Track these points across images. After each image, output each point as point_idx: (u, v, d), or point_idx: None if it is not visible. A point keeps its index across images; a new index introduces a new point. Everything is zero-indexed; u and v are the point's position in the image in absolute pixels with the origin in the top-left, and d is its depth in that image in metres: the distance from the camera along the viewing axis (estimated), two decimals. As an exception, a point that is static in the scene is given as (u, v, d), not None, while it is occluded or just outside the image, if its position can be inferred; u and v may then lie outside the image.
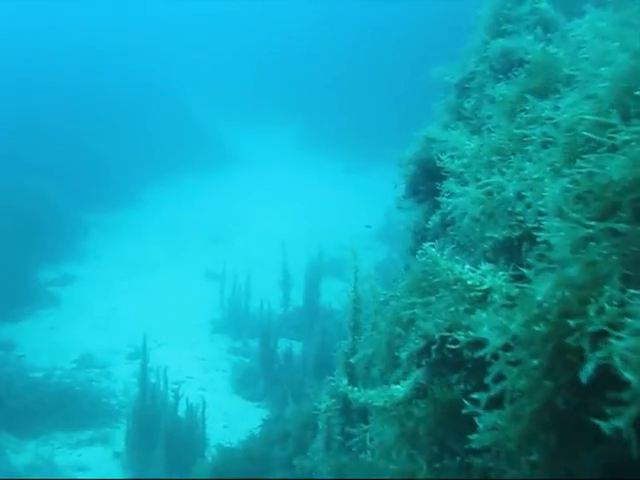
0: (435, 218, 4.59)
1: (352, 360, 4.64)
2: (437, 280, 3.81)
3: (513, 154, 3.79)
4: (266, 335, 17.09)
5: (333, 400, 4.75)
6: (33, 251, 21.27)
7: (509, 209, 3.17)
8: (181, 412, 12.61)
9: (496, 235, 3.21)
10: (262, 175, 32.16)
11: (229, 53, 45.86)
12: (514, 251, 3.09)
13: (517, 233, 3.09)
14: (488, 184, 3.46)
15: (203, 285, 21.72)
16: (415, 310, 3.81)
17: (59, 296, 20.58)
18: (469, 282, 2.74)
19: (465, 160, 4.37)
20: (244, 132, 37.61)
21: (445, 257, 3.04)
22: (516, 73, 4.32)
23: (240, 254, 23.84)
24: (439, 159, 4.74)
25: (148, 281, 21.86)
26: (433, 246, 3.10)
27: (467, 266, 2.81)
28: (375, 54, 37.66)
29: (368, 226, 19.69)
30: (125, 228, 25.92)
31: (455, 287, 2.86)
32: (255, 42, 45.21)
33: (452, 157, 4.75)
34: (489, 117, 4.76)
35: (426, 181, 5.07)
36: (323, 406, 4.74)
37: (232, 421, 14.87)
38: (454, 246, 4.06)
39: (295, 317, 19.80)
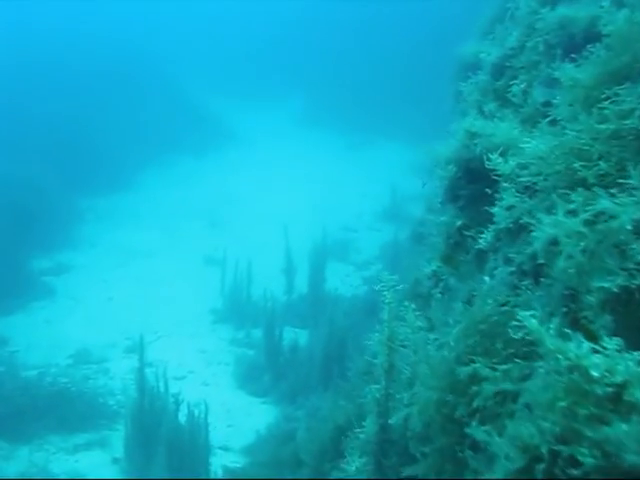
0: (488, 236, 3.71)
1: (390, 420, 3.77)
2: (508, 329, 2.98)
3: (601, 158, 2.91)
4: (270, 325, 16.27)
5: (364, 459, 3.89)
6: (25, 239, 20.41)
7: (622, 246, 2.30)
8: (183, 416, 11.72)
9: (606, 284, 2.30)
10: (262, 154, 31.21)
11: (225, 29, 44.61)
12: (635, 308, 2.23)
13: (638, 281, 2.22)
14: (584, 207, 2.57)
15: (202, 272, 20.90)
16: (477, 365, 2.97)
17: (53, 287, 19.75)
18: (594, 373, 1.86)
19: (527, 163, 3.51)
20: (242, 110, 36.55)
21: (552, 331, 2.15)
22: (591, 50, 3.42)
23: (241, 238, 23.00)
24: (488, 159, 3.88)
25: (146, 268, 21.02)
26: (534, 316, 2.19)
27: (586, 344, 1.94)
28: (377, 27, 36.51)
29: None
30: (121, 213, 25.00)
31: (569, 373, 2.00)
32: (253, 17, 43.96)
33: (504, 157, 3.89)
34: (551, 105, 3.88)
35: (469, 184, 4.21)
36: (352, 468, 3.88)
37: (236, 419, 14.13)
38: (528, 282, 3.21)
39: (300, 304, 18.99)
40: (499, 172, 3.68)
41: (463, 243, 4.90)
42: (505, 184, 3.66)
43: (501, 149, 3.72)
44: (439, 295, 5.64)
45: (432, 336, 3.59)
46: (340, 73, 36.43)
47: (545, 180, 3.11)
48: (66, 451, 12.45)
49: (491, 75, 5.50)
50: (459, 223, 4.88)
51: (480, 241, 3.67)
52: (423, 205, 22.00)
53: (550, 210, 3.02)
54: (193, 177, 28.75)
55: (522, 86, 4.34)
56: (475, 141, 4.06)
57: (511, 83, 4.72)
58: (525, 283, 3.33)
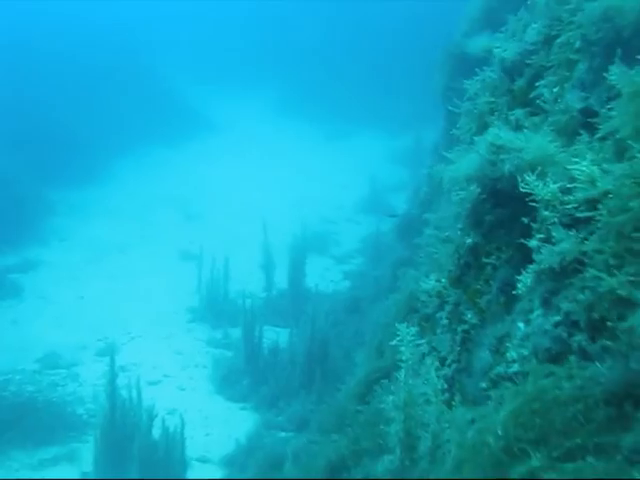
0: (527, 279, 3.04)
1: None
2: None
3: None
4: (249, 324, 15.55)
5: None
6: (-10, 234, 19.52)
7: None
8: (157, 429, 10.99)
9: None
10: (239, 144, 30.37)
11: (202, 17, 43.45)
12: None
13: None
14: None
15: (178, 267, 20.12)
16: (533, 462, 2.30)
17: (21, 285, 18.84)
18: None
19: (574, 187, 2.85)
20: (219, 98, 35.61)
21: None
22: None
23: (217, 231, 22.27)
24: (521, 180, 3.21)
25: (119, 264, 20.19)
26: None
27: None
28: (357, 16, 35.71)
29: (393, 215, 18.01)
30: (92, 206, 24.05)
31: None
32: (230, 5, 42.80)
33: (542, 178, 3.21)
34: (593, 114, 3.21)
35: (495, 208, 3.54)
36: None
37: (214, 427, 13.45)
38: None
39: (279, 301, 18.33)
40: (536, 197, 3.02)
41: (479, 268, 4.24)
42: (546, 212, 3.00)
43: (538, 169, 3.06)
44: (446, 321, 5.01)
45: (468, 414, 2.91)
46: (319, 62, 35.65)
47: (611, 216, 2.44)
48: (31, 467, 11.65)
49: (505, 73, 4.82)
50: (470, 242, 4.22)
51: (519, 286, 2.98)
52: (406, 198, 21.50)
53: (617, 256, 2.37)
54: (168, 167, 27.85)
55: (555, 90, 3.66)
56: (502, 157, 3.39)
57: (537, 85, 4.05)
58: (578, 339, 2.68)
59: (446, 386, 4.02)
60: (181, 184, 26.12)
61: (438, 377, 4.54)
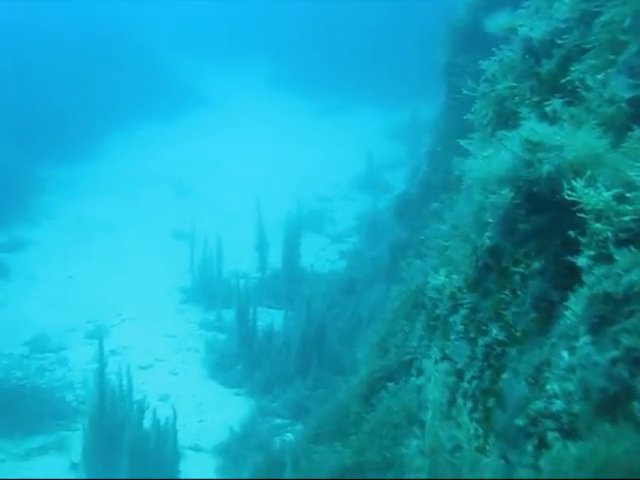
0: (577, 306, 2.59)
1: None
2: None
3: None
4: (243, 306, 15.12)
5: None
6: (-23, 213, 19.00)
7: None
8: (149, 420, 10.60)
9: None
10: (233, 119, 29.73)
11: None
12: None
13: None
14: None
15: (170, 246, 19.65)
16: None
17: (8, 264, 18.34)
18: None
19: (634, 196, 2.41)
20: (211, 71, 34.88)
21: None
22: None
23: (210, 209, 21.82)
24: (569, 187, 2.75)
25: (109, 243, 19.71)
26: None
27: None
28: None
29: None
30: (82, 183, 23.48)
31: None
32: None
33: (591, 183, 2.76)
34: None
35: (532, 215, 3.10)
36: None
37: (207, 413, 13.09)
38: None
39: (274, 282, 17.90)
40: (585, 206, 2.58)
41: (502, 274, 3.81)
42: (597, 225, 2.56)
43: (587, 172, 2.62)
44: (461, 327, 4.59)
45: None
46: (313, 35, 34.88)
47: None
48: (18, 457, 11.24)
49: (530, 54, 4.35)
50: (488, 243, 3.78)
51: (567, 314, 2.54)
52: (404, 176, 21.04)
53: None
54: (160, 143, 27.24)
55: (600, 76, 3.19)
56: (539, 155, 2.94)
57: (572, 69, 3.58)
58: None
59: (470, 405, 3.60)
60: (173, 160, 25.55)
61: (456, 391, 4.14)
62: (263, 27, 37.82)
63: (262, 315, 15.58)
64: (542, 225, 3.05)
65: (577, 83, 3.62)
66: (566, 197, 2.62)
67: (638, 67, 3.08)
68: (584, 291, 2.55)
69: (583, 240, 2.64)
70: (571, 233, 2.71)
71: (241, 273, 17.26)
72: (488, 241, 3.53)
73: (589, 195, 2.54)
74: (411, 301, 6.71)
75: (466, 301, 4.54)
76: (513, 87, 4.48)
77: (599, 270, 2.48)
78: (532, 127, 3.04)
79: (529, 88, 4.34)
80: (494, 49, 5.15)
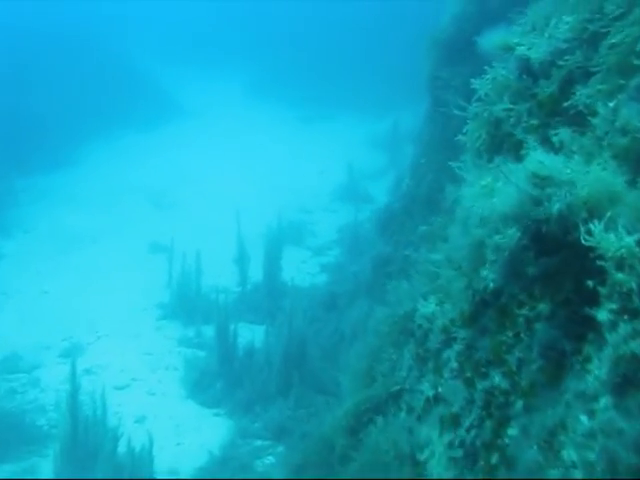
0: (601, 370, 2.30)
1: None
2: None
3: None
4: (223, 322, 14.76)
5: None
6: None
7: None
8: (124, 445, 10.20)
9: None
10: (213, 128, 29.36)
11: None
12: None
13: None
14: None
15: (148, 260, 19.23)
16: None
17: (-20, 279, 17.87)
18: None
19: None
20: (191, 80, 34.51)
21: None
22: None
23: (189, 221, 21.42)
24: (585, 230, 2.45)
25: (85, 257, 19.24)
26: None
27: None
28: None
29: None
30: (58, 194, 22.98)
31: None
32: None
33: (612, 226, 2.47)
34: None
35: (541, 257, 2.81)
36: None
37: (186, 435, 12.68)
38: None
39: (254, 296, 17.54)
40: (605, 253, 2.29)
41: (503, 312, 3.52)
42: (620, 275, 2.27)
43: (607, 214, 2.33)
44: (456, 364, 4.29)
45: None
46: (293, 42, 34.66)
47: None
48: (-16, 487, 10.80)
49: (527, 75, 4.08)
50: (492, 287, 3.49)
51: (588, 378, 2.25)
52: (385, 186, 20.79)
53: None
54: (139, 153, 26.79)
55: (612, 104, 2.91)
56: (548, 191, 2.65)
57: (575, 92, 3.31)
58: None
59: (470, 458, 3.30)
60: (152, 171, 25.12)
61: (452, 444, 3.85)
62: (243, 34, 37.53)
63: (243, 331, 15.22)
64: (552, 268, 2.76)
65: (581, 107, 3.34)
66: (583, 242, 2.34)
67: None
68: (608, 352, 2.27)
69: (603, 291, 2.36)
70: (589, 283, 2.42)
71: (221, 287, 16.88)
72: (491, 284, 3.23)
73: (609, 240, 2.26)
74: (399, 327, 6.41)
75: (460, 336, 4.26)
76: (509, 109, 4.21)
77: (624, 328, 2.20)
78: (539, 159, 2.75)
79: (526, 111, 4.07)
80: (484, 65, 4.88)
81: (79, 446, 9.99)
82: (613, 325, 2.28)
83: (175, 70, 34.95)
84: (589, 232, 2.37)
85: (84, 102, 27.45)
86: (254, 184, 24.36)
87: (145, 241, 20.15)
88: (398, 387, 5.96)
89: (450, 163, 5.19)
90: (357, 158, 25.10)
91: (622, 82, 3.04)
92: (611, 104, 2.97)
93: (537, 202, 2.71)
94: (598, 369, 2.32)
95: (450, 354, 4.41)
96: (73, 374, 10.50)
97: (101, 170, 25.12)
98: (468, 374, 3.94)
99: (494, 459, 3.08)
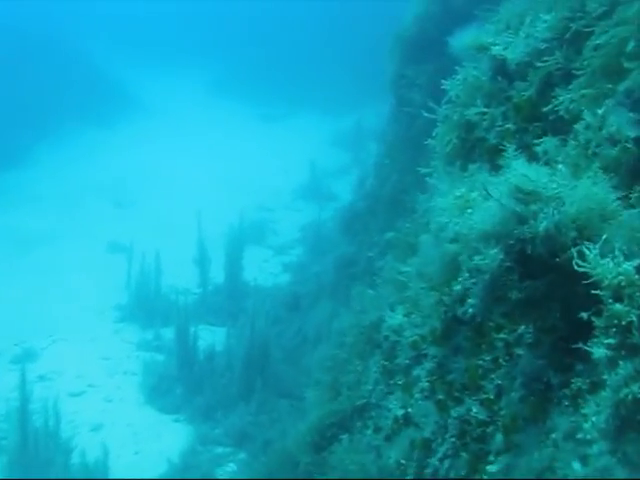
0: (599, 416, 2.04)
1: None
2: None
3: None
4: (182, 324, 14.41)
5: None
6: None
7: None
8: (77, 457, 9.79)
9: None
10: (173, 126, 28.82)
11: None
12: None
13: None
14: None
15: (106, 260, 18.72)
16: None
17: None
18: None
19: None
20: (150, 76, 33.85)
21: None
22: None
23: (149, 221, 20.92)
24: (577, 251, 2.18)
25: (40, 258, 18.66)
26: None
27: None
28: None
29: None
30: (12, 193, 22.28)
31: None
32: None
33: (608, 250, 2.20)
34: None
35: (525, 280, 2.55)
36: None
37: (144, 443, 12.28)
38: None
39: (215, 298, 17.17)
40: (601, 280, 2.05)
41: (478, 332, 3.27)
42: (618, 306, 2.03)
43: (602, 236, 2.08)
44: (426, 384, 4.04)
45: None
46: (255, 39, 34.26)
47: None
48: None
49: (502, 76, 3.84)
50: (471, 311, 3.23)
51: (584, 426, 1.99)
52: (348, 185, 20.56)
53: None
54: (97, 150, 26.16)
55: (600, 111, 2.67)
56: (533, 208, 2.40)
57: (556, 96, 3.07)
58: None
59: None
60: (111, 169, 24.52)
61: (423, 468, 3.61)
62: (206, 32, 36.98)
63: (203, 333, 14.91)
64: (538, 293, 2.52)
65: (562, 113, 3.10)
66: (575, 267, 2.09)
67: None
68: (607, 395, 2.02)
69: (599, 323, 2.12)
70: (583, 315, 2.18)
71: (181, 289, 16.57)
72: (471, 310, 2.98)
73: (606, 267, 2.02)
74: (364, 338, 6.15)
75: (431, 353, 4.02)
76: (482, 112, 3.96)
77: (625, 367, 1.96)
78: (522, 172, 2.50)
79: (501, 114, 3.83)
80: (450, 64, 4.65)
81: (29, 459, 9.53)
82: (612, 363, 2.04)
83: (137, 68, 34.30)
84: (581, 255, 2.12)
85: (41, 99, 26.71)
86: (215, 183, 23.97)
87: (103, 241, 19.64)
88: (364, 401, 5.72)
89: (418, 168, 4.94)
90: (320, 156, 24.85)
91: (609, 86, 2.81)
92: (599, 111, 2.73)
93: (521, 220, 2.46)
94: (596, 415, 2.07)
95: (420, 372, 4.17)
96: (23, 381, 10.07)
97: (57, 168, 24.48)
98: (440, 396, 3.70)
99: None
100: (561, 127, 3.07)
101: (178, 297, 14.92)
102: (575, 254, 2.15)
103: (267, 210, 22.82)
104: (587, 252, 2.10)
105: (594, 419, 2.07)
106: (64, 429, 10.65)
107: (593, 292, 2.09)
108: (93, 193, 22.86)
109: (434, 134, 4.71)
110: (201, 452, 12.00)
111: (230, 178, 24.45)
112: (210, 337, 14.92)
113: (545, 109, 3.23)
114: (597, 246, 2.11)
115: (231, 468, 11.68)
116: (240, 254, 17.47)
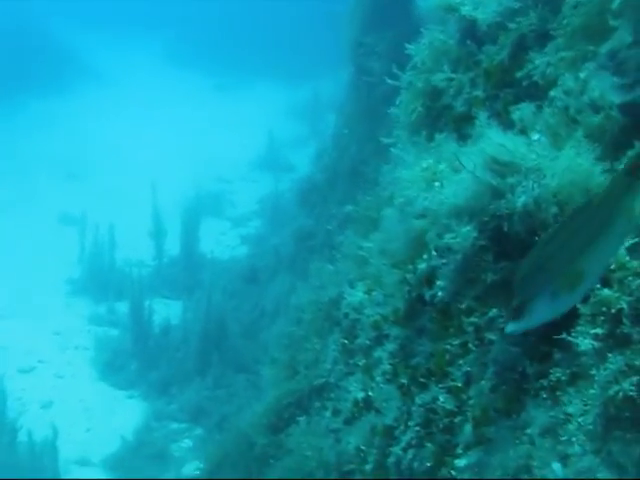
0: (586, 417, 1.83)
1: None
2: None
3: None
4: (137, 297, 14.10)
5: None
6: None
7: None
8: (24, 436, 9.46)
9: None
10: (126, 95, 27.96)
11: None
12: None
13: None
14: None
15: (57, 233, 18.18)
16: None
17: None
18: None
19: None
20: (104, 46, 32.74)
21: None
22: None
23: (102, 193, 20.31)
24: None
25: (-12, 230, 18.04)
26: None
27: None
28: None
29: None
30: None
31: None
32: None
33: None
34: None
35: (500, 261, 2.32)
36: None
37: (96, 420, 11.98)
38: None
39: (171, 270, 16.80)
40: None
41: (445, 313, 3.05)
42: (607, 291, 1.81)
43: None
44: (389, 367, 3.83)
45: None
46: (209, 6, 33.42)
47: None
48: None
49: (471, 39, 3.60)
50: (441, 295, 3.01)
51: (569, 427, 1.78)
52: (307, 156, 20.28)
53: None
54: (47, 121, 25.23)
55: (582, 75, 2.44)
56: (510, 181, 2.17)
57: (534, 61, 2.84)
58: None
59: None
60: (64, 139, 23.71)
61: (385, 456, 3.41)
62: (162, 1, 36.00)
63: (158, 307, 14.63)
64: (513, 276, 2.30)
65: (537, 78, 2.87)
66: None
67: (632, 62, 2.36)
68: (594, 393, 1.82)
69: (584, 310, 1.91)
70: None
71: (135, 261, 16.18)
72: (440, 293, 2.75)
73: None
74: (323, 315, 5.94)
75: (394, 334, 3.81)
76: (450, 79, 3.72)
77: (615, 361, 1.76)
78: (498, 141, 2.27)
79: (469, 81, 3.59)
80: (411, 30, 4.39)
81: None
82: (599, 356, 1.84)
83: (91, 36, 33.18)
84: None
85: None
86: (170, 154, 23.40)
87: (54, 213, 19.06)
88: (322, 380, 5.52)
89: (380, 139, 4.71)
90: (277, 127, 24.42)
91: (590, 48, 2.59)
92: (581, 75, 2.50)
93: (498, 194, 2.23)
94: (582, 417, 1.87)
95: (382, 354, 3.96)
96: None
97: (4, 139, 23.59)
98: (403, 380, 3.49)
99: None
100: (535, 93, 2.85)
101: (132, 270, 14.54)
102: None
103: (224, 181, 22.43)
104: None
105: (580, 420, 1.87)
106: (12, 407, 10.27)
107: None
108: (44, 164, 22.12)
109: (397, 102, 4.46)
110: (156, 428, 11.77)
111: (185, 149, 23.90)
112: (165, 311, 14.68)
113: (518, 74, 3.01)
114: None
115: (186, 444, 11.49)
116: (196, 226, 17.12)
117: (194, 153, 23.35)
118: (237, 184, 22.60)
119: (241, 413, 8.34)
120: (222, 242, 18.73)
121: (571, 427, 1.89)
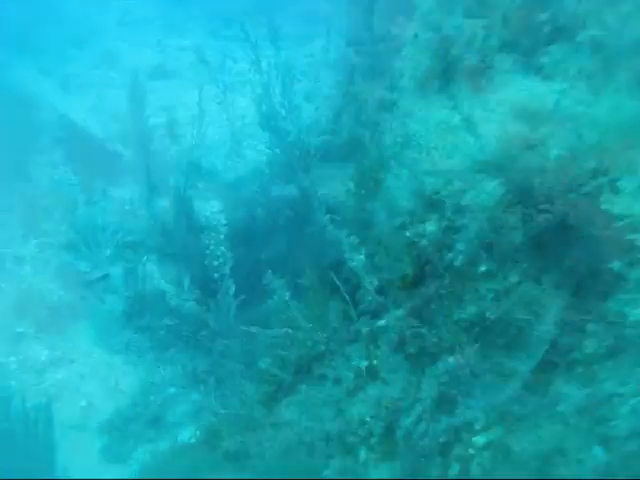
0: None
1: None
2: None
3: None
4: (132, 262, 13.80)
5: None
6: None
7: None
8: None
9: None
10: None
11: None
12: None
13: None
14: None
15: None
16: None
17: None
18: None
19: None
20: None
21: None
22: None
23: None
24: (597, 185, 1.71)
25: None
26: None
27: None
28: None
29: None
30: None
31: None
32: None
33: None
34: None
35: (529, 220, 2.08)
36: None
37: (91, 386, 11.83)
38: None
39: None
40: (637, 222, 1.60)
41: (459, 275, 2.84)
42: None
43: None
44: (394, 336, 3.63)
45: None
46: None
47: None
48: None
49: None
50: (461, 259, 2.79)
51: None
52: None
53: None
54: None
55: (622, 12, 2.17)
56: (543, 131, 1.92)
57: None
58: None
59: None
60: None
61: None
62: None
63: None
64: (545, 237, 2.06)
65: (564, 20, 2.60)
66: (602, 208, 1.63)
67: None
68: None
69: (633, 276, 1.67)
70: (615, 265, 1.73)
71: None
72: (461, 257, 2.52)
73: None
74: (328, 280, 5.75)
75: (401, 300, 3.60)
76: (459, 27, 3.45)
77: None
78: (528, 88, 2.01)
79: (484, 27, 3.31)
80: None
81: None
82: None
83: None
84: (610, 190, 1.66)
85: None
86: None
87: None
88: (323, 348, 5.34)
89: (382, 92, 4.47)
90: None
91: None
92: (619, 12, 2.22)
93: (528, 146, 1.97)
94: (625, 395, 1.64)
95: (388, 321, 3.75)
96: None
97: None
98: (411, 350, 3.28)
99: (455, 469, 2.43)
100: (561, 37, 2.58)
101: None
102: (600, 189, 1.70)
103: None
104: (620, 186, 1.64)
105: (624, 399, 1.64)
106: (3, 374, 10.08)
107: (626, 238, 1.65)
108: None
109: (403, 54, 4.19)
110: (152, 392, 11.61)
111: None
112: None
113: (542, 17, 2.73)
114: (635, 178, 1.64)
115: (183, 409, 11.34)
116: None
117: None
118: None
119: (239, 380, 8.17)
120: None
121: (613, 406, 1.66)
